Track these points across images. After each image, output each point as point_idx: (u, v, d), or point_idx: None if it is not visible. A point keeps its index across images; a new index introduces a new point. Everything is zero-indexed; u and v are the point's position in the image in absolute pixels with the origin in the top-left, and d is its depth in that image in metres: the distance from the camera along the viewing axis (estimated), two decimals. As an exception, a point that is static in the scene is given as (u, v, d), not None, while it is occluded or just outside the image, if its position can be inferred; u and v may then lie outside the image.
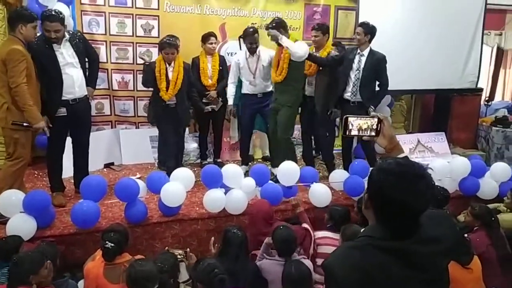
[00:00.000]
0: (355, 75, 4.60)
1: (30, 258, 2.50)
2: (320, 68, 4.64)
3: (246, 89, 4.78)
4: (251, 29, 4.63)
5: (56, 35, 3.67)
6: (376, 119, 1.65)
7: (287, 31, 4.43)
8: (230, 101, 4.85)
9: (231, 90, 4.82)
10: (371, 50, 4.59)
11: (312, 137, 5.16)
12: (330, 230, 3.43)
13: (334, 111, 4.70)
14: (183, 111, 4.57)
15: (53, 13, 3.70)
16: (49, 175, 4.12)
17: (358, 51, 4.62)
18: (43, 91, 3.78)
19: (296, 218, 3.75)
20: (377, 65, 4.56)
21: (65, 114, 3.88)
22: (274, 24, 4.32)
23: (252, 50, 4.60)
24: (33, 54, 3.68)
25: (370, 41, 4.57)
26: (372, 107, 4.54)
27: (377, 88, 4.72)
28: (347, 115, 1.68)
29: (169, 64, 4.39)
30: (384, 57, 4.56)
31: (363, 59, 4.59)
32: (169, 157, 4.61)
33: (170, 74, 4.39)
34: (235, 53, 5.16)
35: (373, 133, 1.66)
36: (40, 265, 2.51)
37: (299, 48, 4.25)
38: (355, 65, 4.61)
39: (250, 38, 4.56)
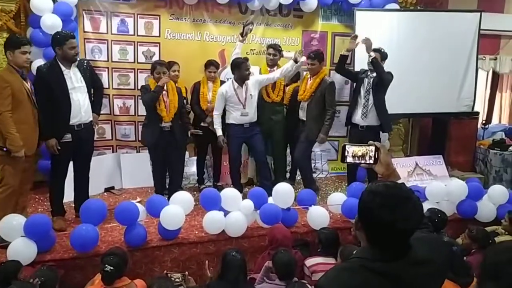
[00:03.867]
0: (365, 97, 4.77)
1: None
2: (313, 94, 4.78)
3: (233, 119, 4.74)
4: (240, 59, 4.68)
5: (76, 51, 3.83)
6: (373, 147, 1.68)
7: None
8: (219, 132, 4.75)
9: (217, 121, 4.74)
10: None
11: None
12: (321, 255, 3.43)
13: (321, 137, 4.80)
14: (179, 133, 4.61)
15: (69, 32, 3.89)
16: (51, 200, 4.16)
17: (368, 73, 4.79)
18: (48, 116, 3.78)
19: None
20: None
21: (70, 139, 3.93)
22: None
23: (248, 77, 4.66)
24: (41, 78, 3.75)
25: None
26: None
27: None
28: (345, 143, 1.74)
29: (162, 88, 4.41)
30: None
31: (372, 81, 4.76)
32: (171, 184, 4.66)
33: (164, 97, 4.43)
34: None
35: (371, 161, 1.69)
36: None
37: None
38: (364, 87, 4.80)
39: (245, 65, 4.60)
